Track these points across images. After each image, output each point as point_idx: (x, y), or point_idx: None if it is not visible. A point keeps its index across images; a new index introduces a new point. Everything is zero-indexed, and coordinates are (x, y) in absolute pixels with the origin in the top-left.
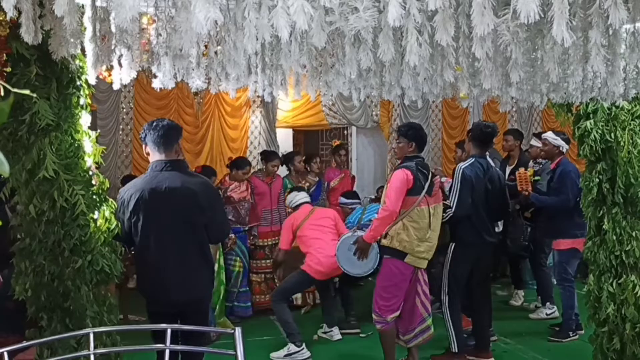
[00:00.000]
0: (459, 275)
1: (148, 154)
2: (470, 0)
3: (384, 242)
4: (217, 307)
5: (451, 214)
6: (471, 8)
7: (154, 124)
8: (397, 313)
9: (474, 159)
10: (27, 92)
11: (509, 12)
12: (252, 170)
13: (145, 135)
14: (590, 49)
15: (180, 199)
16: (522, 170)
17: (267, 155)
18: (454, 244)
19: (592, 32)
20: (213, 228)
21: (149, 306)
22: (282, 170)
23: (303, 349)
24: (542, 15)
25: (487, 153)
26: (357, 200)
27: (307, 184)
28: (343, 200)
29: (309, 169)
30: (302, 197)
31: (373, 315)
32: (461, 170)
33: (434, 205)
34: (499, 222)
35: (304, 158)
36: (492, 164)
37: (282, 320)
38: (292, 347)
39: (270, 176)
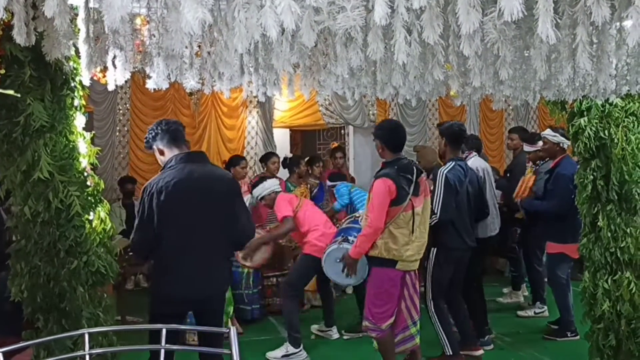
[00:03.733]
0: (443, 279)
1: (162, 152)
2: None
3: (372, 252)
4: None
5: (436, 220)
6: (457, 6)
7: (163, 123)
8: (392, 319)
9: (454, 163)
10: (10, 92)
11: (496, 10)
12: (247, 165)
13: (156, 134)
14: (577, 46)
15: (216, 189)
16: (528, 176)
17: (266, 157)
18: (436, 249)
19: (578, 30)
20: (242, 224)
21: (164, 307)
22: (283, 173)
23: (301, 350)
24: (525, 13)
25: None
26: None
27: (309, 185)
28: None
29: (310, 171)
30: (271, 183)
31: (365, 323)
32: (444, 175)
33: (420, 205)
34: (495, 225)
35: (306, 160)
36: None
37: (289, 317)
38: (290, 348)
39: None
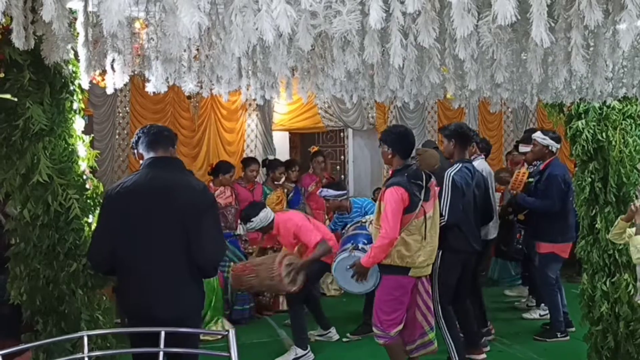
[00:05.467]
0: (449, 282)
1: (141, 156)
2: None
3: (385, 261)
4: (208, 313)
5: (444, 222)
6: (452, 10)
7: (147, 128)
8: (401, 326)
9: (461, 165)
10: (7, 96)
11: (490, 14)
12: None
13: (138, 138)
14: (571, 49)
15: (179, 201)
16: (522, 170)
17: (245, 162)
18: (441, 252)
19: (572, 33)
20: (209, 245)
21: (128, 320)
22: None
23: (308, 351)
24: (519, 17)
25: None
26: (343, 192)
27: (285, 190)
28: (330, 192)
29: (286, 175)
30: (268, 214)
31: (374, 330)
32: (451, 177)
33: (430, 210)
34: (494, 227)
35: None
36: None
37: (297, 323)
38: (298, 351)
39: (252, 182)
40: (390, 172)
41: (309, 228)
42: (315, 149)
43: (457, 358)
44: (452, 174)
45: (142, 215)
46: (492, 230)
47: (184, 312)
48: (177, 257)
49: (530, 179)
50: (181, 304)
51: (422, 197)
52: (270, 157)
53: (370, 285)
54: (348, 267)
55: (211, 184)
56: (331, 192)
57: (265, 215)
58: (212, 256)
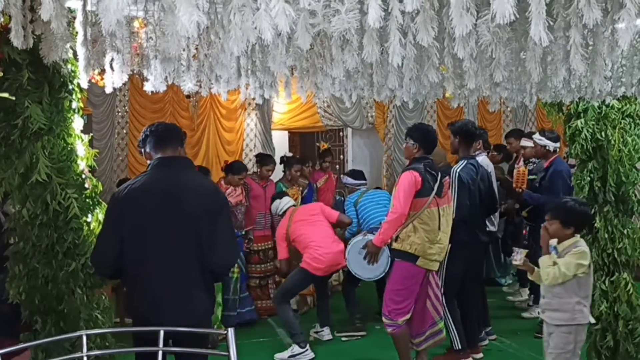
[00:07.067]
0: (455, 274)
1: (149, 156)
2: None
3: (395, 245)
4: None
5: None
6: (451, 9)
7: (154, 126)
8: (409, 315)
9: (466, 161)
10: (5, 94)
11: (489, 13)
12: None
13: (145, 137)
14: (570, 48)
15: (190, 202)
16: (522, 168)
17: (263, 159)
18: (449, 245)
19: (571, 32)
20: (221, 247)
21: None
22: (278, 172)
23: (307, 349)
24: (517, 16)
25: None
26: (363, 181)
27: (300, 187)
28: (349, 180)
29: (300, 172)
30: (287, 201)
31: (383, 319)
32: (457, 174)
33: (444, 206)
34: (495, 221)
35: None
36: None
37: (286, 320)
38: (296, 348)
39: (265, 180)
40: (408, 163)
41: (280, 241)
42: (325, 146)
43: (459, 346)
44: (457, 170)
45: (151, 218)
46: (490, 224)
47: (196, 319)
48: (188, 262)
49: (532, 176)
50: (192, 312)
51: (435, 188)
52: (289, 154)
53: (380, 270)
54: (361, 248)
55: (222, 182)
56: (350, 180)
57: (277, 205)
58: (226, 260)
